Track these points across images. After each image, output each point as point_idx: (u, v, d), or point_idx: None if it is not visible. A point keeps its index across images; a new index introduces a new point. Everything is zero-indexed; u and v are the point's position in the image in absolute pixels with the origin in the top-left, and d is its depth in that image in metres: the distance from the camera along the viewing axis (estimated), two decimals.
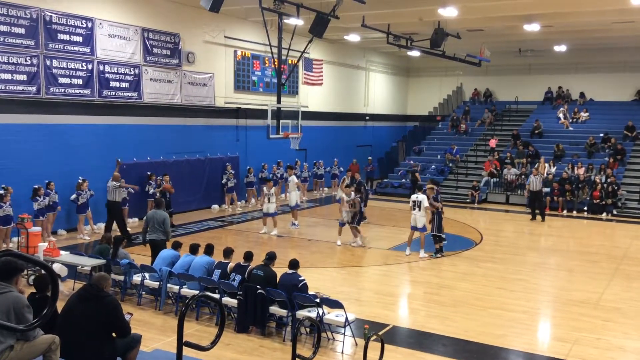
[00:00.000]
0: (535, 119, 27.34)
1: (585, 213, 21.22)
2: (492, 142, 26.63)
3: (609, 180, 21.45)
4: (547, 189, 21.24)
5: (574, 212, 21.33)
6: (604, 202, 21.04)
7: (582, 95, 28.89)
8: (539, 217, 19.58)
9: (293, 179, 17.60)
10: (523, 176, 23.12)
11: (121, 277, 10.43)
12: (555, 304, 10.95)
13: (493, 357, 8.39)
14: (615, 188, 21.19)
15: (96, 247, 10.98)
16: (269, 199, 16.37)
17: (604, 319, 9.94)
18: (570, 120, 27.29)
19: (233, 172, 20.35)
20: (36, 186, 14.44)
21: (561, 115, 27.48)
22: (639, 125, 25.35)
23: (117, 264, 10.35)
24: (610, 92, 28.18)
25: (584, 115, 27.35)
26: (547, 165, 23.11)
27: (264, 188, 16.88)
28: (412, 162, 26.36)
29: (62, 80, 15.54)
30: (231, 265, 9.53)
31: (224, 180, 20.32)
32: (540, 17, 19.28)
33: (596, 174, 22.18)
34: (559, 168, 23.39)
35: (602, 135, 24.97)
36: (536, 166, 21.17)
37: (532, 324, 9.88)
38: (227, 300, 9.09)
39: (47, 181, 14.78)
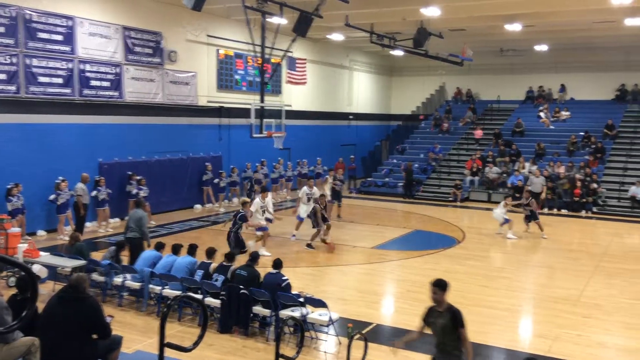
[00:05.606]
0: (517, 117, 27.59)
1: (565, 211, 21.45)
2: (478, 133, 26.87)
3: (588, 178, 21.69)
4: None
5: (554, 209, 21.55)
6: (584, 200, 21.29)
7: (562, 88, 29.31)
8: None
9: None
10: (504, 174, 23.29)
11: (102, 279, 10.32)
12: (537, 301, 11.06)
13: (475, 354, 8.42)
14: (595, 186, 21.44)
15: (73, 248, 10.82)
16: (308, 199, 15.61)
17: (584, 315, 10.07)
18: (551, 119, 27.58)
19: (223, 172, 20.58)
20: (9, 186, 14.17)
21: (542, 114, 27.76)
22: (619, 123, 25.71)
23: (98, 264, 10.25)
24: (590, 91, 28.54)
25: (564, 114, 27.66)
26: (527, 163, 23.29)
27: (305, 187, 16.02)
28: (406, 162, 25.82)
29: (42, 79, 15.35)
30: (214, 265, 9.48)
31: (215, 180, 20.29)
32: (521, 17, 19.46)
33: (575, 172, 22.41)
34: (540, 166, 23.61)
35: (582, 133, 25.26)
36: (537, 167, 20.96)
37: (513, 321, 9.97)
38: (209, 300, 9.04)
39: (12, 184, 14.22)
